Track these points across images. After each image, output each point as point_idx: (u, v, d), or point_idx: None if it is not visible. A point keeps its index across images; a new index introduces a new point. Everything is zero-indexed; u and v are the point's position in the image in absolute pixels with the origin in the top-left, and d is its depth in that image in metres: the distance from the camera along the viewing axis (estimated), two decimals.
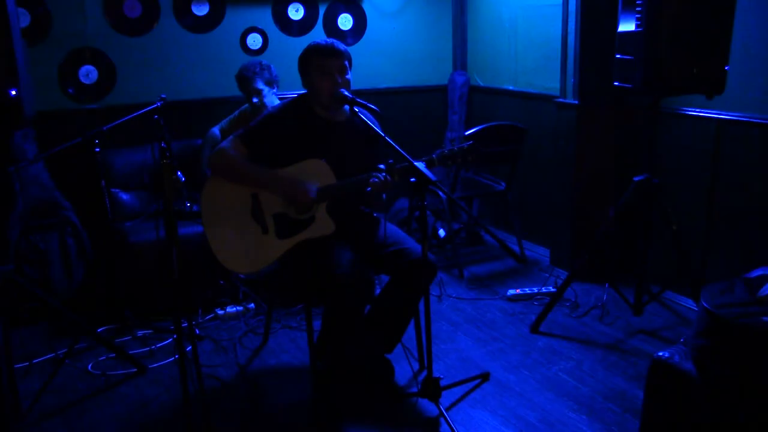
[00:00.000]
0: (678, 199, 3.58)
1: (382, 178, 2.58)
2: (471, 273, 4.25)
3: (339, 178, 2.70)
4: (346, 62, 2.72)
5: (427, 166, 2.50)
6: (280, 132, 2.73)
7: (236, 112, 3.83)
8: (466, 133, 4.04)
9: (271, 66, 3.69)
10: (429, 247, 2.55)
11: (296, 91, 2.86)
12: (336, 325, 2.72)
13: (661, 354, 2.19)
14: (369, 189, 2.65)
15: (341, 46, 2.72)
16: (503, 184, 4.37)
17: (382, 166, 2.63)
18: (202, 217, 2.75)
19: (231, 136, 2.74)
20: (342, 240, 2.77)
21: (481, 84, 5.06)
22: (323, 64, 2.68)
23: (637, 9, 2.82)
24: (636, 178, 3.15)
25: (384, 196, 2.79)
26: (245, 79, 3.64)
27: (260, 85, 3.60)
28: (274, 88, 3.67)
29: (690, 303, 3.60)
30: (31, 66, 3.93)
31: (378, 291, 3.61)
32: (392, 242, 2.79)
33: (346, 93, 2.66)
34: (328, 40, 2.75)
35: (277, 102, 3.72)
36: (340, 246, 2.72)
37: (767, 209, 3.20)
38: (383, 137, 2.54)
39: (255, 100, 3.62)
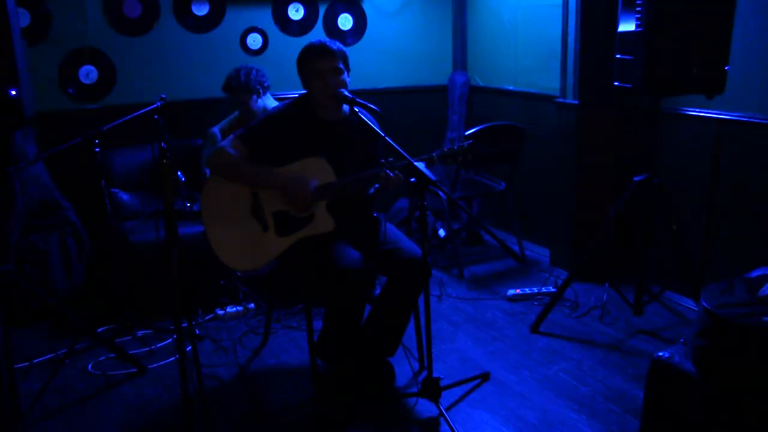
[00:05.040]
0: (678, 199, 3.58)
1: (392, 175, 2.58)
2: (471, 273, 4.25)
3: (339, 177, 2.70)
4: (341, 62, 2.71)
5: (427, 165, 2.50)
6: (280, 132, 2.73)
7: (236, 112, 3.84)
8: (466, 133, 4.04)
9: (252, 71, 3.63)
10: (429, 247, 2.55)
11: (296, 91, 2.86)
12: (338, 321, 2.72)
13: (661, 354, 2.19)
14: (377, 186, 2.66)
15: (334, 45, 2.71)
16: (503, 184, 4.37)
17: (383, 161, 2.63)
18: (203, 216, 2.75)
19: (231, 135, 2.75)
20: (343, 239, 2.78)
21: (481, 84, 5.06)
22: (316, 66, 2.68)
23: (637, 9, 2.82)
24: (636, 178, 3.15)
25: (390, 192, 2.80)
26: (227, 93, 3.66)
27: (242, 96, 3.61)
28: (258, 94, 3.64)
29: (690, 303, 3.60)
30: (31, 66, 3.94)
31: (377, 292, 3.62)
32: (388, 241, 2.79)
33: (346, 93, 2.67)
34: (321, 40, 2.73)
35: (272, 102, 3.72)
36: (342, 243, 2.73)
37: (767, 209, 3.20)
38: (383, 137, 2.54)
39: (236, 112, 3.67)
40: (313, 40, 2.76)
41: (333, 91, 2.66)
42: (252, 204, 2.73)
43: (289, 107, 2.80)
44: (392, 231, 2.87)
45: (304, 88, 2.79)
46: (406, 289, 2.77)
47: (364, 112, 2.66)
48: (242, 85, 3.59)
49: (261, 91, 3.64)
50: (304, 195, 2.65)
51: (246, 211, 2.73)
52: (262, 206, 2.73)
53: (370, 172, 2.63)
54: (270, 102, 3.73)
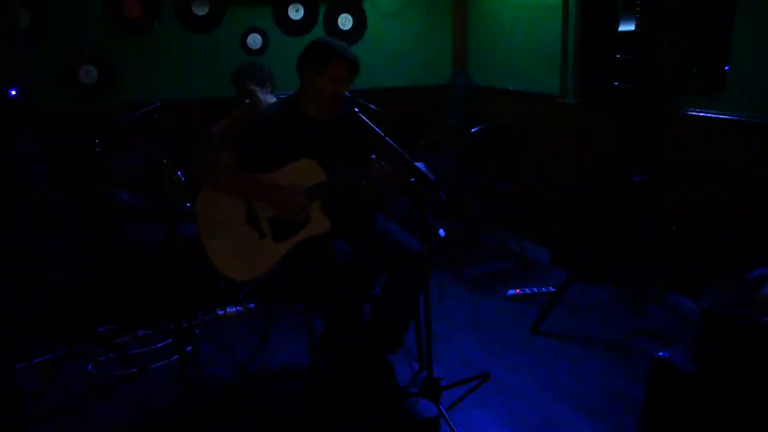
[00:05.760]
0: (678, 199, 3.58)
1: (380, 166, 2.57)
2: (471, 273, 4.25)
3: (329, 176, 2.70)
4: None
5: (416, 154, 2.50)
6: (266, 137, 2.72)
7: (236, 112, 3.84)
8: None
9: (264, 66, 3.69)
10: (429, 247, 2.55)
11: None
12: (338, 320, 2.72)
13: (661, 354, 2.19)
14: (369, 180, 2.67)
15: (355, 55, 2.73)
16: (503, 184, 4.37)
17: (374, 157, 2.63)
18: (199, 229, 2.74)
19: (217, 147, 2.74)
20: (340, 238, 2.78)
21: (481, 84, 5.06)
22: (342, 76, 2.68)
23: (637, 9, 2.83)
24: (636, 178, 3.15)
25: (382, 185, 2.79)
26: (238, 81, 3.68)
27: (252, 86, 3.63)
28: (267, 88, 3.69)
29: (690, 303, 3.60)
30: (31, 66, 3.94)
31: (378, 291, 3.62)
32: (387, 239, 2.79)
33: (346, 93, 2.67)
34: (351, 51, 2.71)
35: (275, 101, 3.73)
36: (338, 241, 2.73)
37: (767, 209, 3.20)
38: (383, 137, 2.54)
39: (247, 101, 3.66)
40: (333, 41, 2.72)
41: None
42: (246, 212, 2.72)
43: (277, 110, 2.79)
44: (392, 228, 2.87)
45: (305, 81, 2.76)
46: (407, 286, 2.77)
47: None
48: (256, 74, 3.62)
49: (270, 86, 3.68)
50: (295, 203, 2.65)
51: (241, 221, 2.72)
52: (257, 214, 2.72)
53: (360, 167, 2.62)
54: (270, 100, 3.73)
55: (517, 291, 3.84)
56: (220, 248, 2.71)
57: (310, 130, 2.76)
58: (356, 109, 2.62)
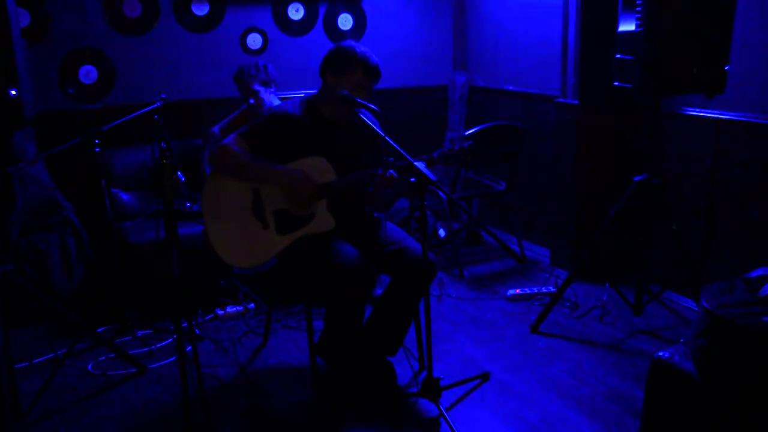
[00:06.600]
0: (678, 199, 3.58)
1: (387, 174, 2.58)
2: (471, 273, 4.25)
3: (340, 176, 2.70)
4: None
5: (428, 165, 2.50)
6: (282, 130, 2.74)
7: (236, 112, 3.84)
8: (466, 133, 4.04)
9: (269, 66, 3.70)
10: (429, 247, 2.55)
11: (296, 90, 2.87)
12: (338, 320, 2.72)
13: (661, 354, 2.19)
14: (371, 189, 2.67)
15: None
16: (503, 184, 4.37)
17: (386, 159, 2.64)
18: (203, 213, 2.76)
19: (233, 134, 2.75)
20: (343, 237, 2.78)
21: (481, 84, 5.06)
22: (364, 84, 2.70)
23: (637, 9, 2.82)
24: (636, 178, 3.15)
25: (389, 191, 2.80)
26: (241, 80, 3.67)
27: (256, 86, 3.63)
28: (271, 88, 3.69)
29: (690, 303, 3.60)
30: (31, 66, 3.94)
31: (379, 292, 3.62)
32: (392, 241, 2.79)
33: (345, 93, 2.67)
34: (373, 58, 2.72)
35: (277, 102, 3.73)
36: (342, 242, 2.73)
37: (767, 209, 3.20)
38: (384, 137, 2.55)
39: (251, 101, 3.66)
40: (357, 47, 2.72)
41: (339, 91, 2.67)
42: (253, 202, 2.74)
43: (295, 106, 2.80)
44: (396, 230, 2.87)
45: (326, 82, 2.76)
46: (412, 289, 2.77)
47: (365, 112, 2.66)
48: (261, 75, 3.62)
49: (273, 86, 3.68)
50: (307, 188, 2.65)
51: (247, 209, 2.74)
52: (264, 204, 2.73)
53: (369, 171, 2.63)
54: (275, 101, 3.73)
55: (517, 291, 3.84)
56: (223, 233, 2.73)
57: (325, 130, 2.77)
58: (356, 110, 2.62)
